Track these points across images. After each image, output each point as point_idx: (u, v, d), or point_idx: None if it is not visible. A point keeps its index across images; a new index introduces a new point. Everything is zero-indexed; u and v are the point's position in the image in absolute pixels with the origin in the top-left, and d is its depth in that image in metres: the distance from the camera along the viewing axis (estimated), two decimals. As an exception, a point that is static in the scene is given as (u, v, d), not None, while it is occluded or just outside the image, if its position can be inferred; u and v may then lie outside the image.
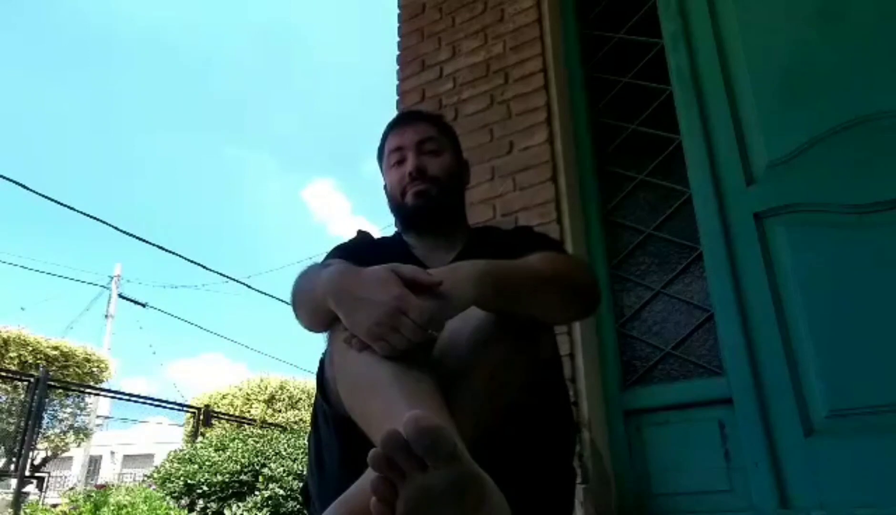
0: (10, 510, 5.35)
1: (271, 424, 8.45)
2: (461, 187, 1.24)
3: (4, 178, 9.51)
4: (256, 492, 3.66)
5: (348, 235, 1.27)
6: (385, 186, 1.24)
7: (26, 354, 8.44)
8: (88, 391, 8.69)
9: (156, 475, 4.01)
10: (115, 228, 11.93)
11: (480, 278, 0.82)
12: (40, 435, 7.78)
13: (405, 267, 0.82)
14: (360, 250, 1.14)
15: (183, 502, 3.68)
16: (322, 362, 0.94)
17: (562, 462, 0.99)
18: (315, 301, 0.90)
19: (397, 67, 2.41)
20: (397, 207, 1.19)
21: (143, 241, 12.85)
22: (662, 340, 1.79)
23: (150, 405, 7.61)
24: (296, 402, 9.68)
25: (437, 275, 0.81)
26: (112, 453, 22.10)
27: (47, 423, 8.75)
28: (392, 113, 2.21)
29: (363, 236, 1.25)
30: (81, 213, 11.02)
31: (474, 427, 0.77)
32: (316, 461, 0.96)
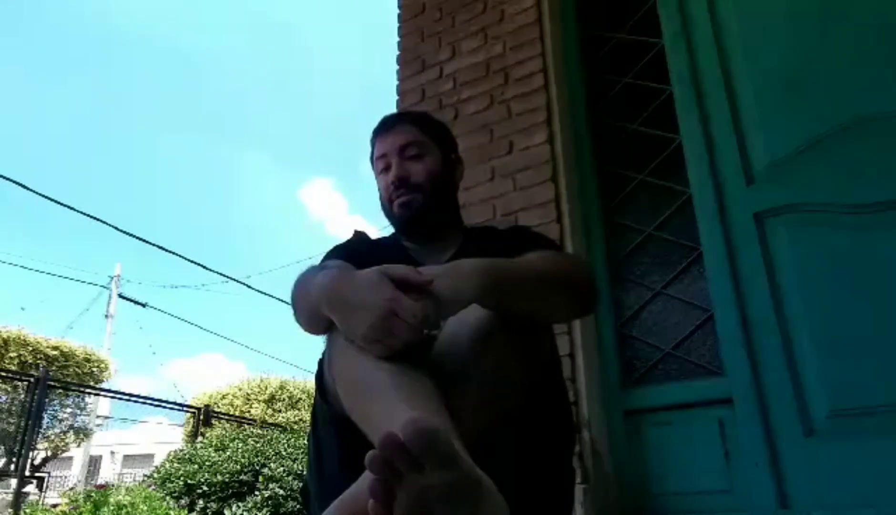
0: (9, 510, 5.35)
1: (271, 424, 8.44)
2: (450, 187, 1.21)
3: (4, 178, 9.52)
4: (256, 492, 3.65)
5: (345, 233, 1.27)
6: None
7: (26, 354, 8.43)
8: (88, 391, 8.68)
9: (156, 475, 4.00)
10: (115, 228, 11.93)
11: (481, 277, 0.82)
12: (40, 435, 7.78)
13: (396, 268, 0.81)
14: (357, 250, 1.13)
15: (183, 502, 3.68)
16: (321, 363, 0.94)
17: (561, 463, 0.99)
18: (311, 307, 0.90)
19: (397, 67, 2.41)
20: (388, 214, 1.19)
21: (143, 241, 12.85)
22: (662, 340, 1.79)
23: (150, 405, 7.59)
24: (296, 402, 9.67)
25: (434, 273, 0.81)
26: (112, 453, 22.08)
27: (47, 423, 8.73)
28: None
29: (360, 236, 1.24)
30: (81, 213, 11.04)
31: (473, 428, 0.77)
32: (315, 461, 0.96)
